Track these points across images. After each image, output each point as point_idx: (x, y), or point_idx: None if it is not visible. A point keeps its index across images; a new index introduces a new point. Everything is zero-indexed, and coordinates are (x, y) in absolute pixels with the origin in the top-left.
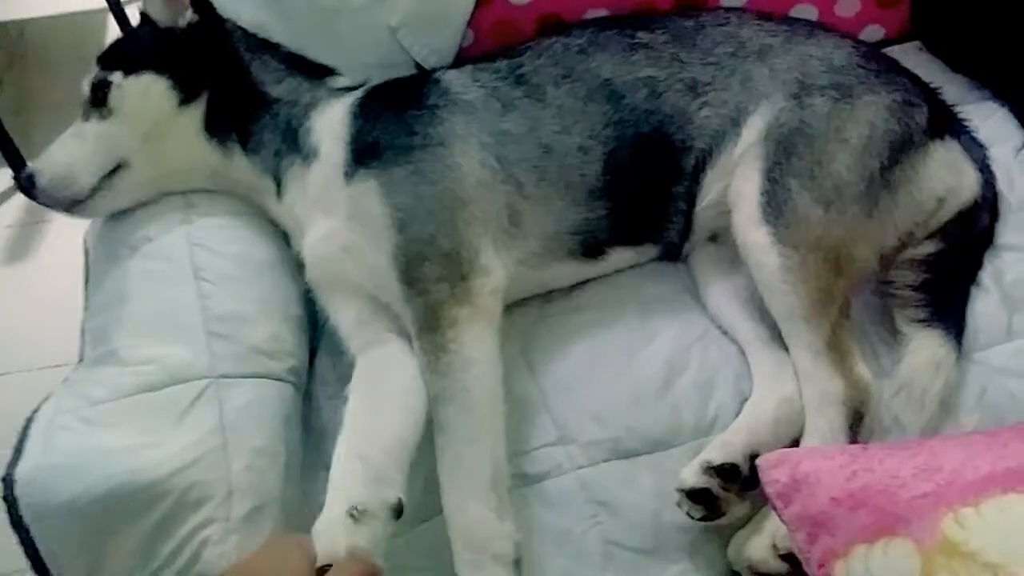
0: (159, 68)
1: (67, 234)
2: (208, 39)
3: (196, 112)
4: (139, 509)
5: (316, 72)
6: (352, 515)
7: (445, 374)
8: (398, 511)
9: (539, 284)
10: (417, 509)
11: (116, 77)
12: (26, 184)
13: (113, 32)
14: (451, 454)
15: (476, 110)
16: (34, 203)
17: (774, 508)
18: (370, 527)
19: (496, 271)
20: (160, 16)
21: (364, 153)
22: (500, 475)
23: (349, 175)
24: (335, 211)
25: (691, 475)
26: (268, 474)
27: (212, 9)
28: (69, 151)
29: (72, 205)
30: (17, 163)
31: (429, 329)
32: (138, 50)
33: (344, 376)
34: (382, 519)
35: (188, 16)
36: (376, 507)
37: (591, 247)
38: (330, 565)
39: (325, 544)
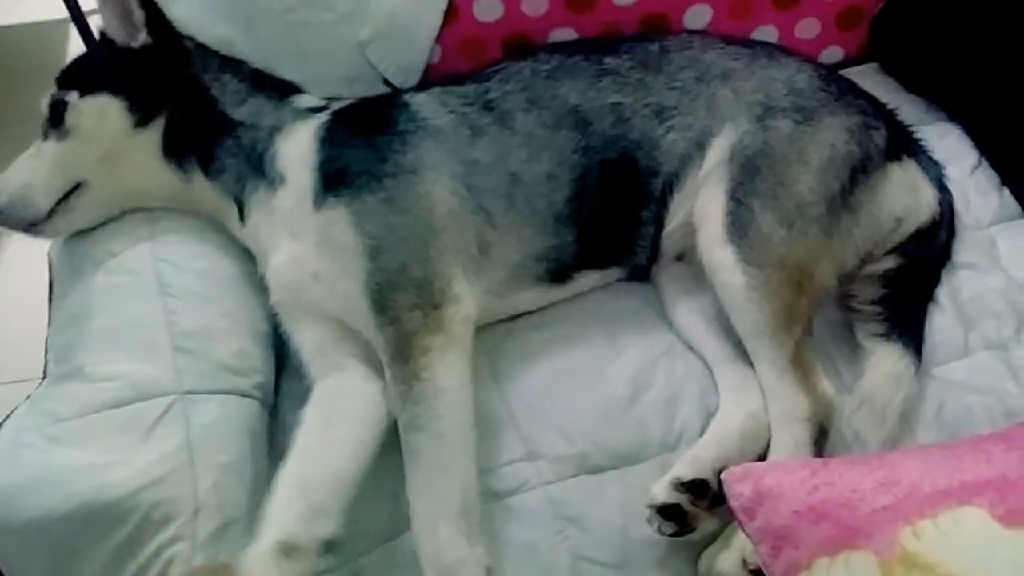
0: (114, 89)
1: (27, 249)
2: (164, 59)
3: (153, 134)
4: (105, 527)
5: (280, 90)
6: (282, 550)
7: (417, 402)
8: (330, 546)
9: (507, 310)
10: (385, 527)
11: (72, 97)
12: None
13: (75, 44)
14: (422, 480)
15: (446, 137)
16: None
17: (738, 522)
18: (299, 562)
19: (467, 299)
20: (116, 35)
21: (333, 179)
22: (471, 501)
23: (319, 202)
24: (303, 236)
25: (661, 491)
26: (235, 491)
27: (169, 29)
28: (26, 172)
29: (31, 225)
30: None
31: (401, 358)
32: (94, 69)
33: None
34: (311, 555)
35: (142, 37)
36: (306, 542)
37: (558, 272)
38: None
39: None
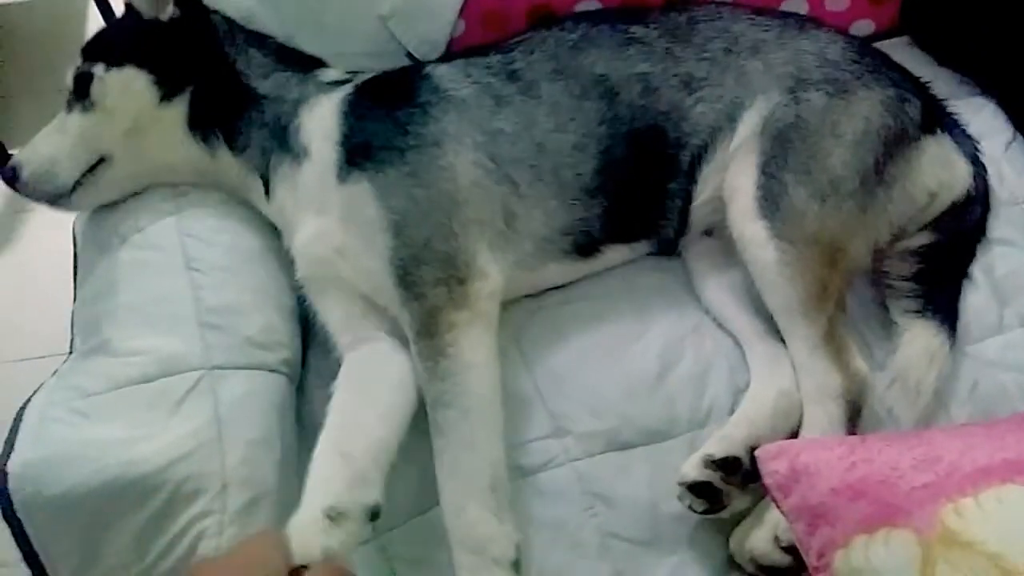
0: (141, 62)
1: (51, 223)
2: (192, 33)
3: (179, 108)
4: (134, 502)
5: (304, 65)
6: (329, 516)
7: (444, 378)
8: (375, 514)
9: (534, 285)
10: (413, 501)
11: (98, 69)
12: (9, 176)
13: (94, 16)
14: (450, 457)
15: (469, 107)
16: (13, 191)
17: (773, 499)
18: (345, 529)
19: (493, 274)
20: (143, 8)
21: (356, 153)
22: (499, 478)
23: (342, 177)
24: (328, 211)
25: (692, 469)
26: (263, 466)
27: (196, 2)
28: (51, 144)
29: (55, 199)
30: None
31: (427, 334)
32: (120, 42)
33: (337, 368)
34: (358, 522)
35: (170, 10)
36: (353, 509)
37: (586, 246)
38: (305, 566)
39: (299, 545)
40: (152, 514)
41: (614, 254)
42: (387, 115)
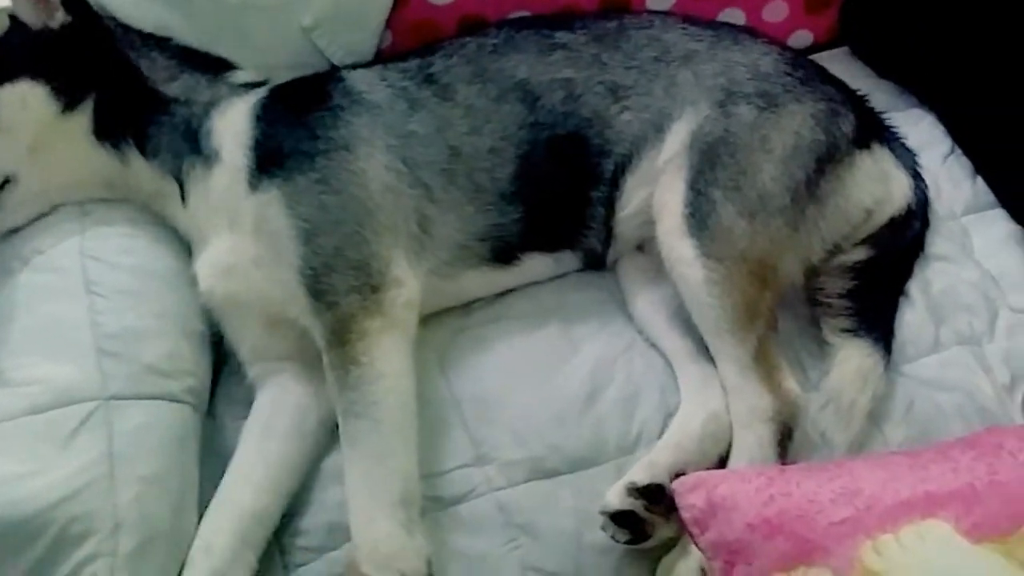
0: (34, 74)
1: None
2: (86, 39)
3: (83, 117)
4: (19, 544)
5: (211, 66)
6: None
7: (355, 387)
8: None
9: (455, 295)
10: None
11: None
12: None
13: None
14: (360, 470)
15: (382, 111)
16: None
17: (690, 535)
18: None
19: (409, 282)
20: (30, 18)
21: (267, 160)
22: (411, 491)
23: (253, 184)
24: (240, 223)
25: (615, 497)
26: (158, 505)
27: (87, 7)
28: None
29: None
30: None
31: (339, 342)
32: (9, 56)
33: (250, 396)
34: None
35: (60, 16)
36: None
37: (503, 253)
38: None
39: None
40: (39, 556)
41: (535, 263)
42: (298, 119)
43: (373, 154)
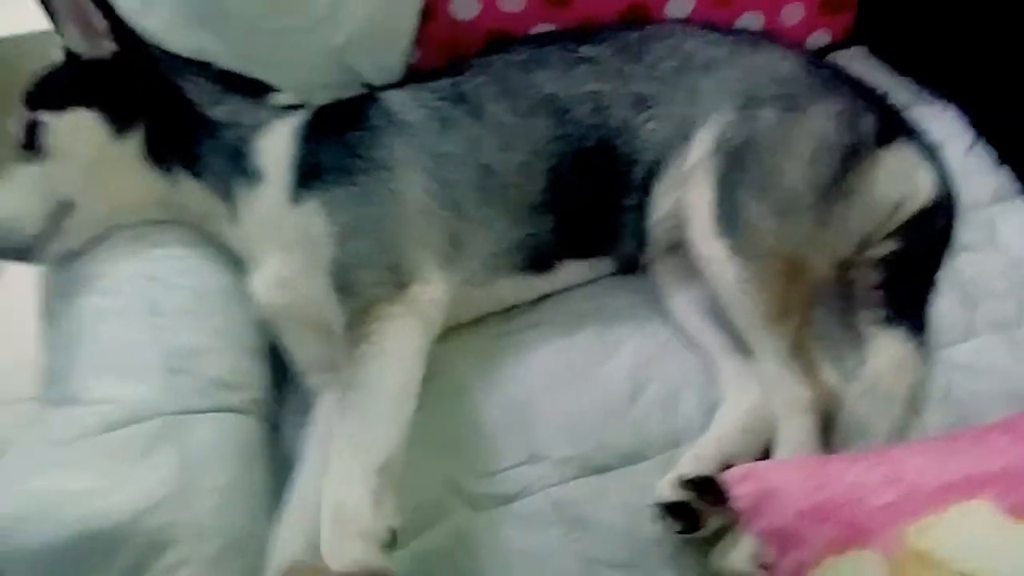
0: (88, 102)
1: (12, 272)
2: (134, 66)
3: (134, 142)
4: (105, 555)
5: (253, 90)
6: None
7: (359, 362)
8: None
9: (491, 301)
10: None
11: (45, 116)
12: None
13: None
14: (346, 435)
15: (417, 132)
16: None
17: (743, 522)
18: None
19: (436, 282)
20: (80, 48)
21: (308, 175)
22: (391, 465)
23: (295, 198)
24: (286, 237)
25: (667, 490)
26: (234, 512)
27: (134, 35)
28: (8, 199)
29: (22, 254)
30: None
31: (356, 323)
32: (63, 86)
33: (311, 403)
34: None
35: (108, 45)
36: None
37: (538, 261)
38: None
39: None
40: (125, 567)
41: (572, 269)
42: (338, 139)
43: (410, 175)
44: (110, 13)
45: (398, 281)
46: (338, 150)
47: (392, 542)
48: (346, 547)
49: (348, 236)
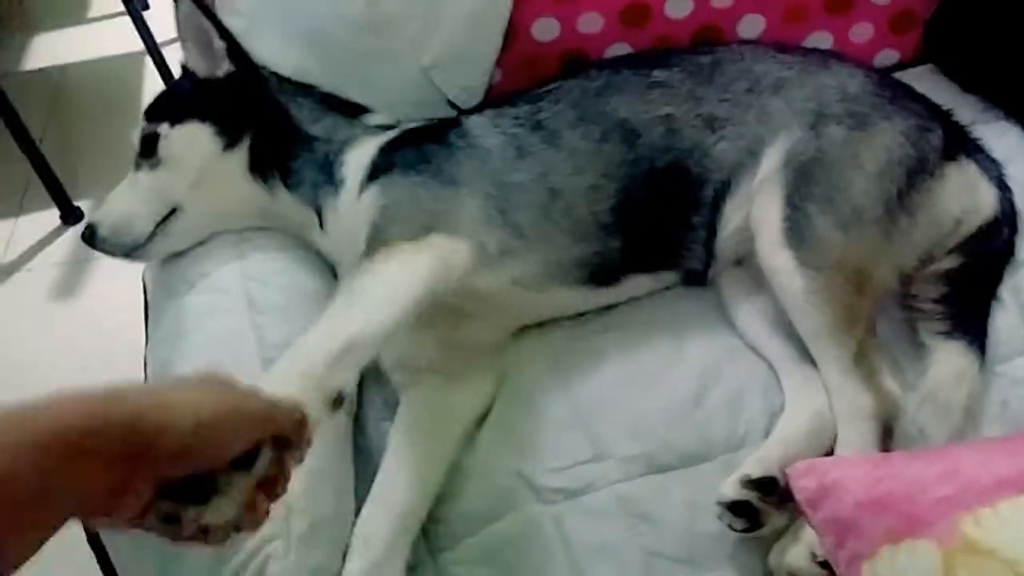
0: (202, 117)
1: (114, 271)
2: (246, 86)
3: (240, 155)
4: None
5: (351, 110)
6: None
7: (357, 275)
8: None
9: (552, 307)
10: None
11: (163, 128)
12: (87, 236)
13: (151, 74)
14: (326, 314)
15: (491, 157)
16: (80, 241)
17: (804, 514)
18: None
19: (461, 247)
20: (199, 68)
21: (376, 172)
22: (362, 345)
23: (361, 190)
24: (354, 234)
25: (731, 489)
26: (323, 494)
27: (248, 58)
28: (125, 201)
29: (132, 251)
30: (63, 203)
31: (370, 257)
32: (181, 101)
33: (391, 399)
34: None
35: (226, 67)
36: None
37: (603, 275)
38: None
39: None
40: None
41: (636, 283)
42: (414, 148)
43: (473, 197)
44: (229, 38)
45: (424, 233)
46: (411, 155)
47: (335, 404)
48: (288, 379)
49: (392, 205)
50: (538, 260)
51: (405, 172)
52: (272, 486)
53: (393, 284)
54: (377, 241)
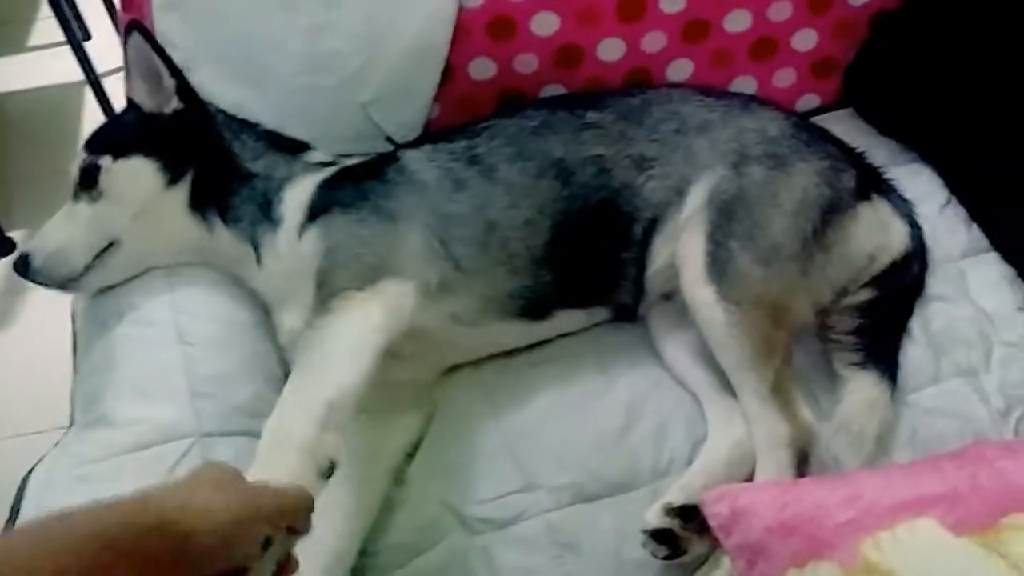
0: (147, 151)
1: (49, 301)
2: (192, 123)
3: (182, 191)
4: None
5: (292, 148)
6: None
7: (316, 328)
8: None
9: (487, 343)
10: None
11: (105, 161)
12: (21, 266)
13: (90, 104)
14: (296, 379)
15: (429, 190)
16: (11, 272)
17: (717, 539)
18: None
19: (409, 286)
20: (145, 102)
21: (315, 212)
22: (341, 406)
23: (300, 232)
24: (293, 274)
25: (654, 517)
26: None
27: (195, 96)
28: (62, 232)
29: (66, 283)
30: None
31: (323, 307)
32: (125, 135)
33: None
34: None
35: (174, 104)
36: None
37: (536, 309)
38: None
39: None
40: None
41: (568, 318)
42: (353, 185)
43: (412, 230)
44: (179, 76)
45: (373, 279)
46: (350, 192)
47: (329, 472)
48: (282, 458)
49: (336, 248)
50: (475, 294)
51: (345, 211)
52: (287, 564)
53: (354, 339)
54: (327, 289)
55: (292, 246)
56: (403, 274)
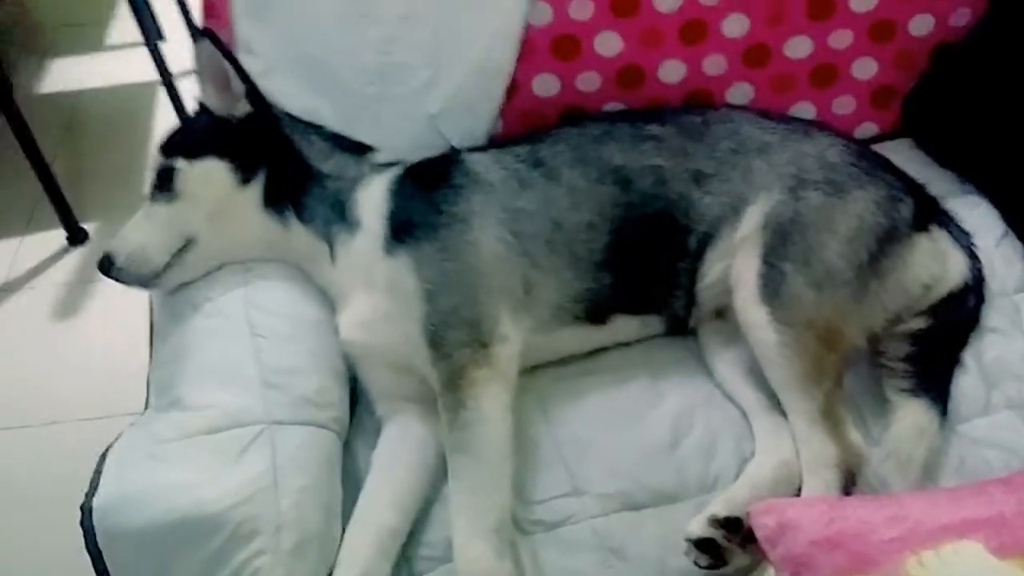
0: (220, 153)
1: (117, 293)
2: (262, 125)
3: (255, 189)
4: (200, 539)
5: (357, 149)
6: None
7: (462, 428)
8: None
9: (551, 349)
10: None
11: (180, 163)
12: (104, 266)
13: (163, 104)
14: (462, 498)
15: (495, 189)
16: (84, 262)
17: (763, 550)
18: None
19: (513, 338)
20: (216, 106)
21: (399, 229)
22: (504, 520)
23: (387, 250)
24: (375, 283)
25: (698, 526)
26: (312, 512)
27: (264, 99)
28: (141, 233)
29: (147, 281)
30: (71, 224)
31: (451, 388)
32: (198, 137)
33: (378, 429)
34: None
35: (243, 107)
36: None
37: (595, 313)
38: None
39: None
40: (215, 550)
41: (624, 324)
42: (425, 195)
43: (486, 226)
44: (249, 81)
45: (481, 339)
46: (424, 205)
47: None
48: (484, 560)
49: (436, 293)
50: (548, 300)
51: (426, 235)
52: None
53: (497, 443)
54: (440, 352)
55: (376, 259)
56: (501, 318)
